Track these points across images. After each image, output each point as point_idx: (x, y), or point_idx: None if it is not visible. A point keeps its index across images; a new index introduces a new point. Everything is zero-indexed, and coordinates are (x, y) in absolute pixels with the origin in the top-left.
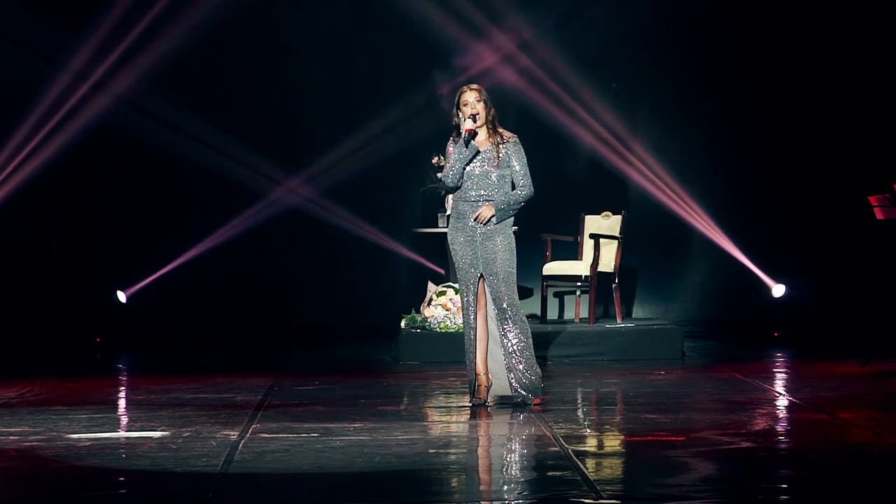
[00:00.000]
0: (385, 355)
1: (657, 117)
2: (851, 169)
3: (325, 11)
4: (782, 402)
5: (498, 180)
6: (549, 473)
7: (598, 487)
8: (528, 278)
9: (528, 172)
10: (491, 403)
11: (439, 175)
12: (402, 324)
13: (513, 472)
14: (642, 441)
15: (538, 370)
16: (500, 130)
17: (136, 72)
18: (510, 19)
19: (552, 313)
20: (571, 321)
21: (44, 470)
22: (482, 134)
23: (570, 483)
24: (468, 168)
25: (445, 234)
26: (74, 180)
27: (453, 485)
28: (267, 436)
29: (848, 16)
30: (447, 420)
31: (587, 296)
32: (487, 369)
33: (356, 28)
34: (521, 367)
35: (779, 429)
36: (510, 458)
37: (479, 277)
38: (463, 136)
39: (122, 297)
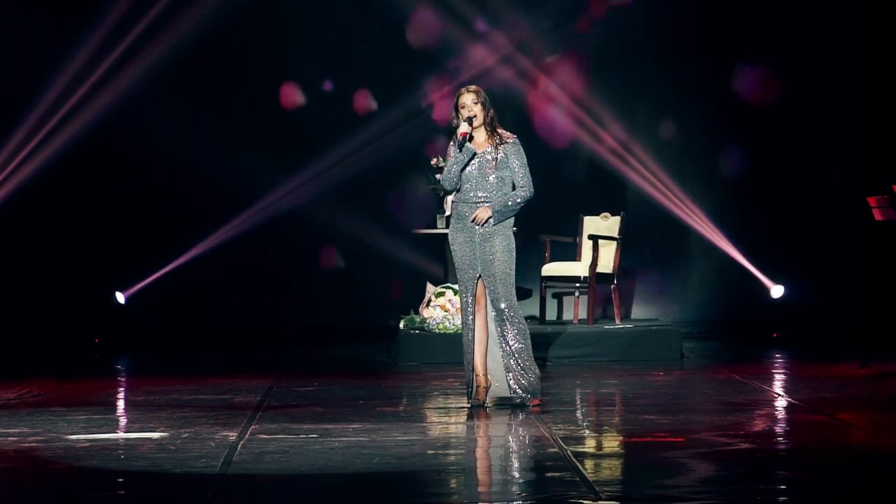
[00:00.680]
0: (384, 356)
1: (656, 118)
2: (851, 170)
3: (324, 11)
4: (781, 403)
5: (497, 181)
6: (548, 474)
7: (596, 488)
8: (527, 279)
9: (527, 173)
10: (490, 404)
11: (438, 176)
12: (401, 325)
13: (511, 473)
14: (641, 442)
15: (537, 371)
16: (500, 131)
17: (136, 72)
18: (509, 19)
19: (551, 314)
20: (570, 322)
21: (43, 471)
22: (481, 135)
23: (569, 484)
24: (468, 170)
25: (444, 235)
26: (74, 180)
27: (452, 486)
28: (266, 437)
29: (848, 16)
30: (446, 421)
31: (586, 297)
32: (486, 370)
33: (356, 28)
34: (519, 368)
35: (778, 430)
36: (509, 459)
37: (478, 278)
38: (458, 139)
39: (120, 297)
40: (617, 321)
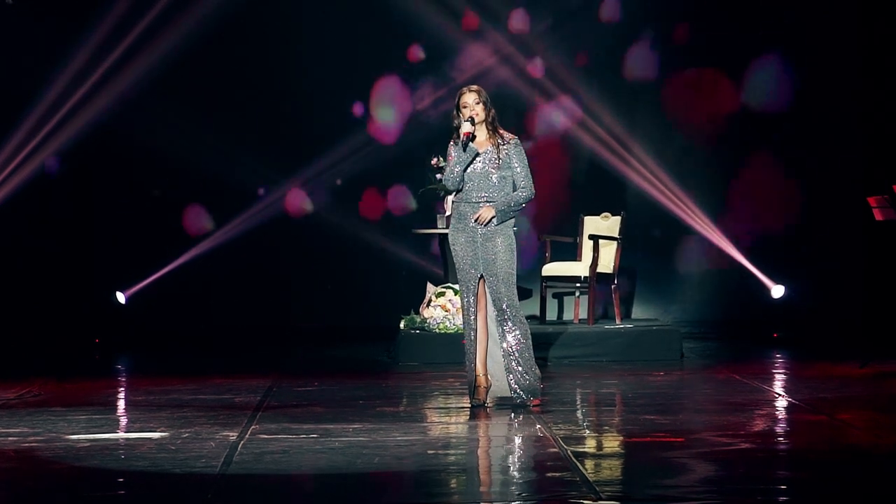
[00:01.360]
0: (384, 356)
1: (656, 118)
2: (851, 170)
3: (324, 11)
4: (781, 403)
5: (499, 181)
6: (549, 474)
7: (597, 488)
8: (528, 279)
9: (529, 173)
10: (490, 404)
11: (438, 176)
12: (401, 325)
13: (512, 473)
14: (641, 442)
15: (537, 371)
16: (501, 131)
17: (136, 72)
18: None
19: (551, 314)
20: (570, 322)
21: (43, 471)
22: (482, 135)
23: (570, 484)
24: (469, 170)
25: (444, 234)
26: (74, 181)
27: (452, 486)
28: (266, 437)
29: (848, 16)
30: (446, 421)
31: (586, 297)
32: (487, 370)
33: (355, 28)
34: (520, 368)
35: (778, 430)
36: (509, 459)
37: (480, 278)
38: (461, 139)
39: (121, 297)
40: (617, 321)
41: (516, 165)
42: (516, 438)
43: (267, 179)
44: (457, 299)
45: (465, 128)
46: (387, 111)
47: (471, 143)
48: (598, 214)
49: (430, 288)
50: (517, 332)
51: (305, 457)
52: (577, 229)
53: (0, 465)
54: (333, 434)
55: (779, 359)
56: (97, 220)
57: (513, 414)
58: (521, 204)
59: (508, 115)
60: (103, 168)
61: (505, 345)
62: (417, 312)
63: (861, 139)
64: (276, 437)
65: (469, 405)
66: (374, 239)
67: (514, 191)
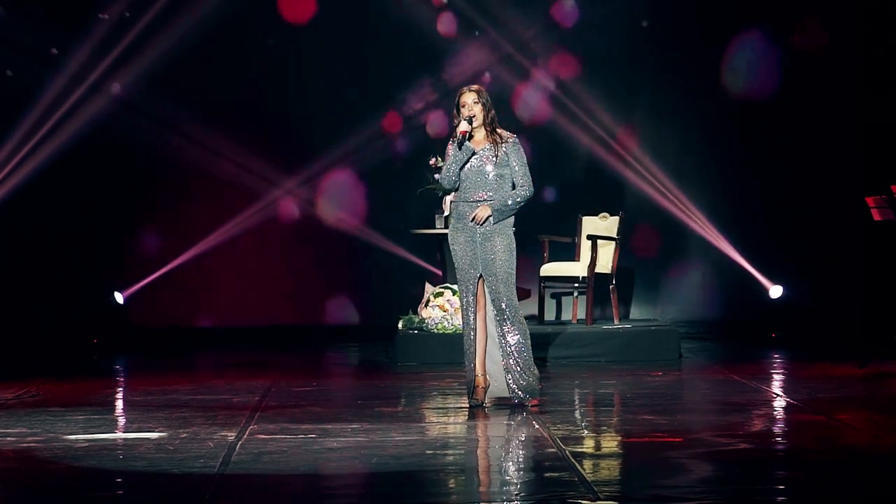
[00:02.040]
0: (382, 356)
1: (654, 118)
2: (850, 169)
3: (322, 12)
4: (780, 403)
5: (497, 181)
6: (547, 474)
7: (595, 488)
8: (527, 279)
9: (527, 172)
10: (488, 405)
11: (437, 176)
12: (400, 325)
13: (510, 473)
14: (640, 442)
15: (536, 371)
16: (499, 131)
17: (135, 72)
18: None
19: (550, 314)
20: (569, 322)
21: (41, 471)
22: (481, 134)
23: (568, 484)
24: (467, 169)
25: (443, 235)
26: (73, 181)
27: (451, 486)
28: (264, 437)
29: (848, 16)
30: (445, 421)
31: (585, 297)
32: (485, 370)
33: (354, 28)
34: (518, 368)
35: (776, 430)
36: (508, 459)
37: (479, 278)
38: (458, 137)
39: (119, 297)
40: (615, 321)
41: (515, 164)
42: (515, 438)
43: (265, 180)
44: (455, 299)
45: (463, 126)
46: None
47: (467, 143)
48: (597, 214)
49: (429, 288)
50: (517, 332)
51: (304, 457)
52: (576, 229)
53: None
54: (332, 434)
55: (777, 359)
56: (95, 221)
57: (511, 414)
58: (520, 203)
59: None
60: (102, 168)
61: (504, 344)
62: (416, 312)
63: (860, 139)
64: (275, 437)
65: (467, 405)
66: (371, 239)
67: (513, 190)
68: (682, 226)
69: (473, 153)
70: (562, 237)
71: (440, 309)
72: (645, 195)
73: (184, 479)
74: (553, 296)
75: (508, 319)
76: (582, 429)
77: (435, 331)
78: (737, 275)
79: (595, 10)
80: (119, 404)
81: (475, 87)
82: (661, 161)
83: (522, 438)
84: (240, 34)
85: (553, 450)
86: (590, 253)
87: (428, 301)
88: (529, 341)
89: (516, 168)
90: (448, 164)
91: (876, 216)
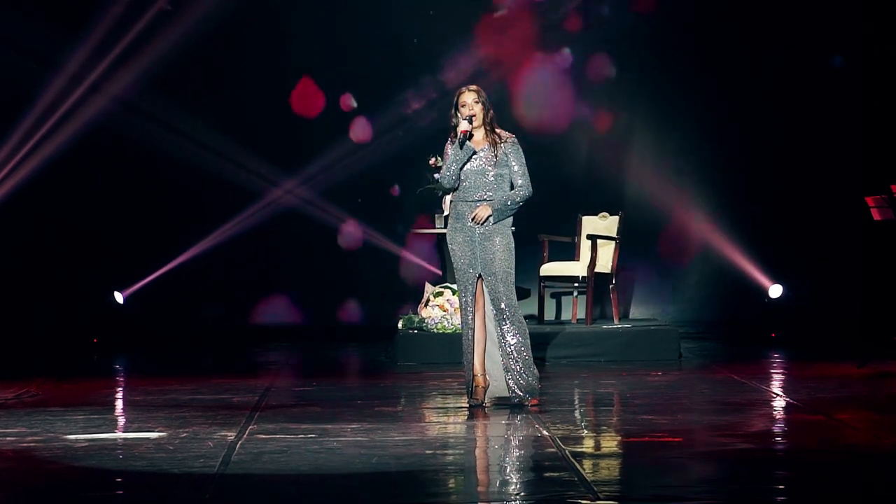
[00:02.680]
0: (382, 356)
1: (654, 118)
2: (849, 169)
3: (321, 12)
4: (779, 403)
5: (496, 180)
6: (547, 474)
7: (595, 488)
8: (526, 279)
9: (526, 172)
10: (488, 404)
11: (437, 176)
12: (399, 325)
13: (510, 473)
14: (639, 442)
15: (535, 371)
16: (498, 131)
17: (134, 73)
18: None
19: (549, 314)
20: (569, 322)
21: (41, 471)
22: (480, 134)
23: (568, 484)
24: (466, 168)
25: (442, 234)
26: (72, 181)
27: (451, 486)
28: (264, 437)
29: (847, 16)
30: (444, 421)
31: (584, 296)
32: (485, 370)
33: (353, 28)
34: (518, 367)
35: (776, 430)
36: (507, 459)
37: (478, 278)
38: (458, 136)
39: (119, 297)
40: (615, 321)
41: (514, 164)
42: (514, 438)
43: (264, 180)
44: (455, 299)
45: (463, 125)
46: None
47: (467, 142)
48: (597, 214)
49: (429, 288)
50: (516, 332)
51: (303, 457)
52: (576, 229)
53: None
54: (331, 434)
55: (777, 359)
56: (95, 221)
57: (511, 414)
58: (519, 203)
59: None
60: (103, 168)
61: (504, 344)
62: (416, 312)
63: (859, 139)
64: (275, 437)
65: (467, 405)
66: (371, 239)
67: (511, 190)
68: (682, 226)
69: (473, 153)
70: (562, 237)
71: (440, 309)
72: (645, 195)
73: (184, 478)
74: (553, 296)
75: (508, 319)
76: (582, 429)
77: (435, 331)
78: (737, 275)
79: (595, 9)
80: (119, 404)
81: (474, 86)
82: (661, 160)
83: (522, 438)
84: (237, 34)
85: (553, 450)
86: (589, 252)
87: (427, 301)
88: (529, 341)
89: (516, 168)
90: (448, 164)
91: (876, 216)
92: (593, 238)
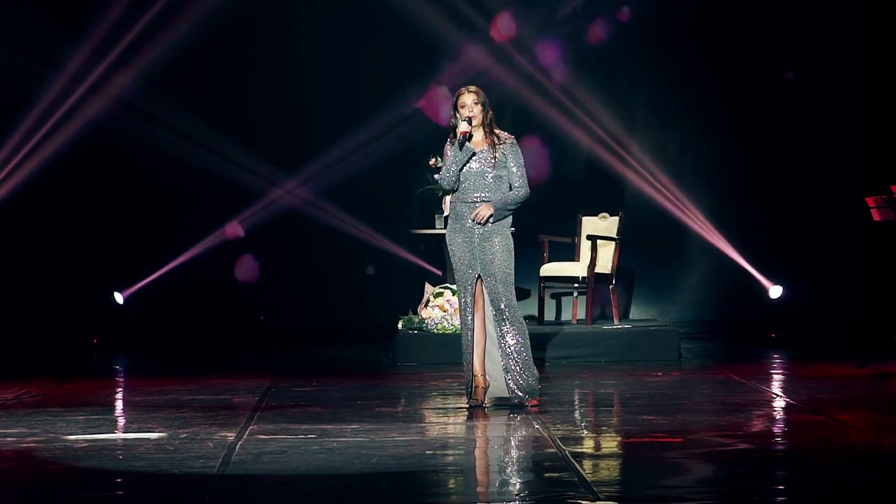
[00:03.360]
0: (382, 357)
1: (654, 118)
2: (849, 169)
3: (321, 12)
4: (779, 403)
5: (495, 181)
6: (547, 475)
7: (595, 489)
8: (526, 279)
9: (524, 174)
10: (488, 405)
11: (436, 176)
12: (400, 325)
13: (510, 473)
14: (639, 442)
15: (535, 371)
16: (497, 131)
17: (134, 73)
18: (507, 19)
19: (549, 314)
20: (569, 322)
21: (41, 471)
22: (479, 135)
23: (567, 484)
24: (465, 169)
25: (443, 235)
26: (72, 181)
27: (450, 486)
28: (264, 437)
29: (846, 17)
30: (444, 421)
31: (584, 297)
32: (485, 371)
33: (353, 28)
34: (518, 368)
35: (776, 430)
36: (507, 459)
37: (477, 278)
38: (458, 137)
39: (119, 298)
40: (615, 321)
41: (512, 165)
42: (514, 439)
43: (264, 180)
44: (455, 300)
45: (463, 126)
46: None
47: (467, 143)
48: (597, 214)
49: (429, 288)
50: (516, 332)
51: (303, 457)
52: (576, 229)
53: None
54: (331, 434)
55: (777, 359)
56: (94, 221)
57: (511, 414)
58: (518, 204)
59: (506, 117)
60: (101, 169)
61: (503, 345)
62: (416, 313)
63: (859, 139)
64: (275, 437)
65: (467, 405)
66: (371, 240)
67: (510, 190)
68: (682, 226)
69: (473, 154)
70: (562, 237)
71: (440, 309)
72: (645, 195)
73: (184, 479)
74: (553, 296)
75: (507, 320)
76: (582, 429)
77: (435, 331)
78: (737, 275)
79: (594, 9)
80: (119, 404)
81: (473, 87)
82: (661, 161)
83: (522, 439)
84: (237, 34)
85: (553, 450)
86: (589, 253)
87: (428, 301)
88: (529, 341)
89: (514, 170)
90: (447, 165)
91: (876, 216)
92: (593, 238)
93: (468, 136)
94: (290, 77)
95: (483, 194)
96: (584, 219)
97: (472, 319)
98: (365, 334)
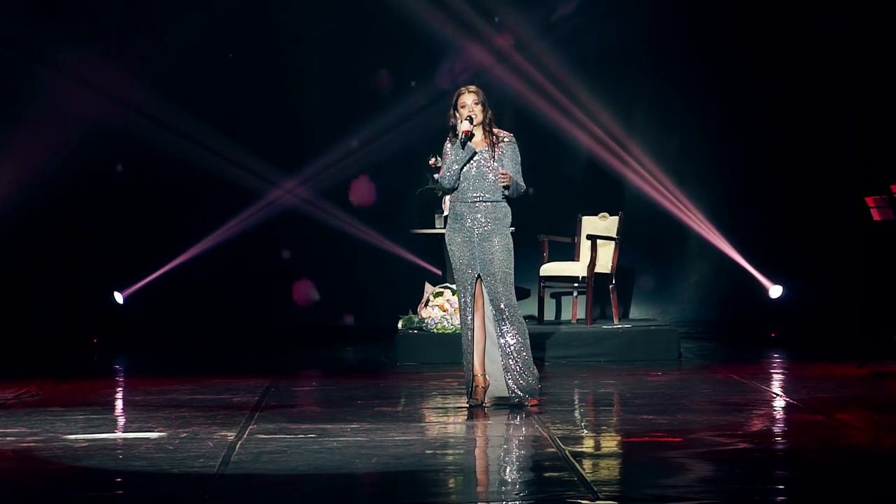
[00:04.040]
0: (382, 356)
1: (654, 118)
2: (849, 169)
3: (321, 11)
4: (779, 403)
5: (494, 180)
6: (546, 474)
7: (594, 488)
8: (526, 279)
9: (519, 171)
10: (488, 404)
11: (436, 176)
12: (399, 325)
13: (510, 473)
14: (639, 442)
15: (535, 371)
16: (496, 131)
17: (134, 73)
18: (507, 19)
19: (549, 314)
20: (568, 322)
21: (41, 471)
22: (478, 135)
23: (567, 484)
24: (465, 169)
25: (442, 235)
26: (73, 181)
27: (450, 486)
28: (264, 437)
29: (846, 18)
30: (444, 421)
31: (584, 297)
32: (484, 370)
33: (353, 28)
34: (518, 368)
35: (776, 430)
36: (507, 459)
37: (477, 278)
38: (459, 137)
39: (119, 297)
40: (615, 321)
41: (508, 163)
42: (514, 438)
43: (264, 180)
44: (455, 299)
45: (465, 126)
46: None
47: (469, 143)
48: (597, 214)
49: (428, 288)
50: (516, 332)
51: (303, 457)
52: (575, 229)
53: None
54: (331, 434)
55: (777, 359)
56: (94, 221)
57: (511, 414)
58: (523, 188)
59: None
60: (103, 168)
61: (503, 344)
62: (416, 312)
63: (859, 139)
64: (274, 437)
65: (467, 405)
66: (371, 240)
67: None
68: (682, 226)
69: (475, 153)
70: (561, 237)
71: (440, 309)
72: (645, 195)
73: (183, 478)
74: (553, 296)
75: (507, 319)
76: (582, 429)
77: (435, 331)
78: (737, 275)
79: (594, 9)
80: (119, 404)
81: (473, 87)
82: (661, 161)
83: (522, 438)
84: (238, 34)
85: (552, 449)
86: (589, 253)
87: (427, 301)
88: (528, 341)
89: (509, 167)
90: (448, 164)
91: (876, 216)
92: (593, 238)
93: (470, 136)
94: (291, 77)
95: (483, 194)
96: (584, 218)
97: (472, 319)
98: (364, 334)
